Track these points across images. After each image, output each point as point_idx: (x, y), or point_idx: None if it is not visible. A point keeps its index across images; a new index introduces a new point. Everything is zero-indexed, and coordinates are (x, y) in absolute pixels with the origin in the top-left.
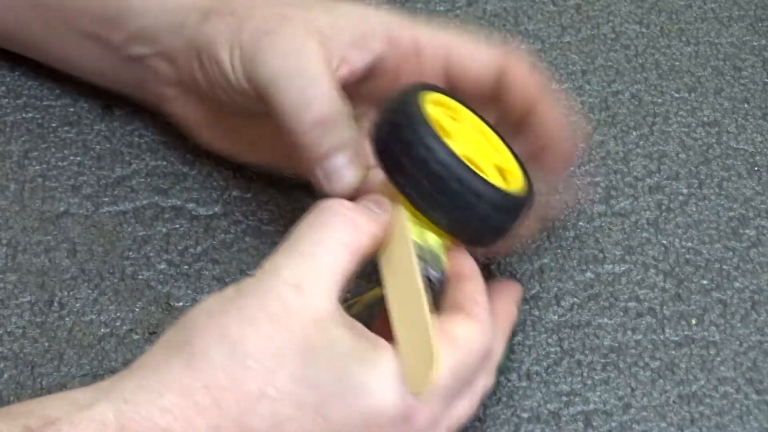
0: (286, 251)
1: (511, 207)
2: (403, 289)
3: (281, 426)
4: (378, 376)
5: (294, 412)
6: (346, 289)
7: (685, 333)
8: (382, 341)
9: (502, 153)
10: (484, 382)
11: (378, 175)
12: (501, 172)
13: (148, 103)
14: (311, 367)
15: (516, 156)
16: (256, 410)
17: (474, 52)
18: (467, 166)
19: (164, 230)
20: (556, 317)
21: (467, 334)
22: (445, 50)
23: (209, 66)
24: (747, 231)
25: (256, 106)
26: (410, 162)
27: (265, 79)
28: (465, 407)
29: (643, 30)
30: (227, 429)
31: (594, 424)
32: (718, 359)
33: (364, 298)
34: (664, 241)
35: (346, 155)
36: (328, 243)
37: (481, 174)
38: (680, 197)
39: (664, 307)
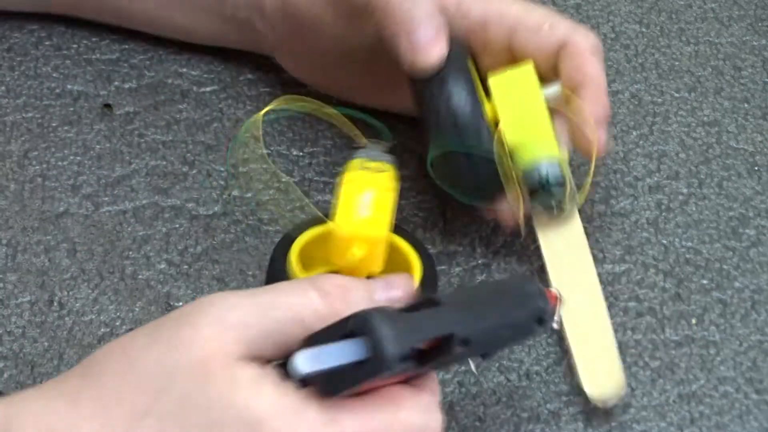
0: (242, 291)
1: None
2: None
3: None
4: (274, 409)
5: None
6: (278, 351)
7: (685, 333)
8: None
9: None
10: None
11: None
12: None
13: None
14: (202, 393)
15: None
16: (140, 428)
17: (537, 32)
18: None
19: (164, 230)
20: (556, 317)
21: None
22: (510, 27)
23: None
24: (747, 230)
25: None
26: None
27: None
28: None
29: (643, 30)
30: None
31: (594, 423)
32: (718, 359)
33: None
34: (664, 241)
35: (434, 27)
36: (283, 305)
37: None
38: (680, 197)
39: (664, 307)
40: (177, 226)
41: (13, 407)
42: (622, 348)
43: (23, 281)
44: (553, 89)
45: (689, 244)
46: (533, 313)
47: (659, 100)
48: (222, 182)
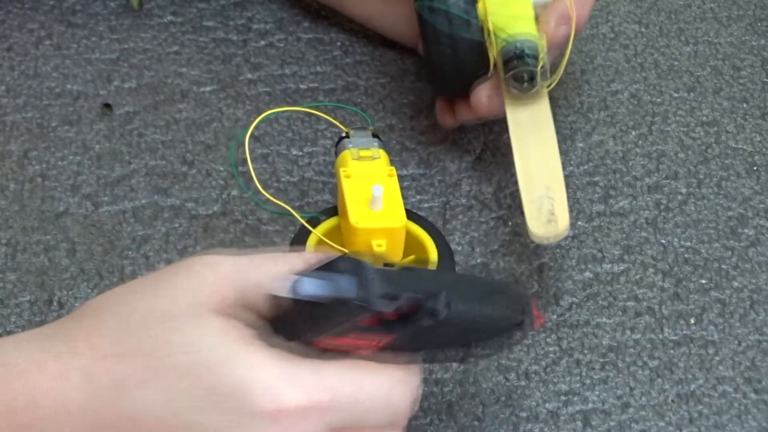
0: (244, 253)
1: None
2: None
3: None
4: (253, 373)
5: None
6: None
7: (684, 332)
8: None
9: None
10: None
11: None
12: None
13: None
14: (185, 337)
15: None
16: (127, 365)
17: None
18: None
19: (163, 229)
20: (554, 317)
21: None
22: None
23: None
24: (745, 230)
25: None
26: None
27: None
28: None
29: (642, 30)
30: (99, 374)
31: (592, 423)
32: (717, 358)
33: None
34: (663, 241)
35: None
36: (280, 261)
37: None
38: (679, 197)
39: (663, 307)
40: (176, 225)
41: (7, 345)
42: (621, 347)
43: (23, 281)
44: None
45: (688, 243)
46: (517, 312)
47: (658, 99)
48: (221, 182)
